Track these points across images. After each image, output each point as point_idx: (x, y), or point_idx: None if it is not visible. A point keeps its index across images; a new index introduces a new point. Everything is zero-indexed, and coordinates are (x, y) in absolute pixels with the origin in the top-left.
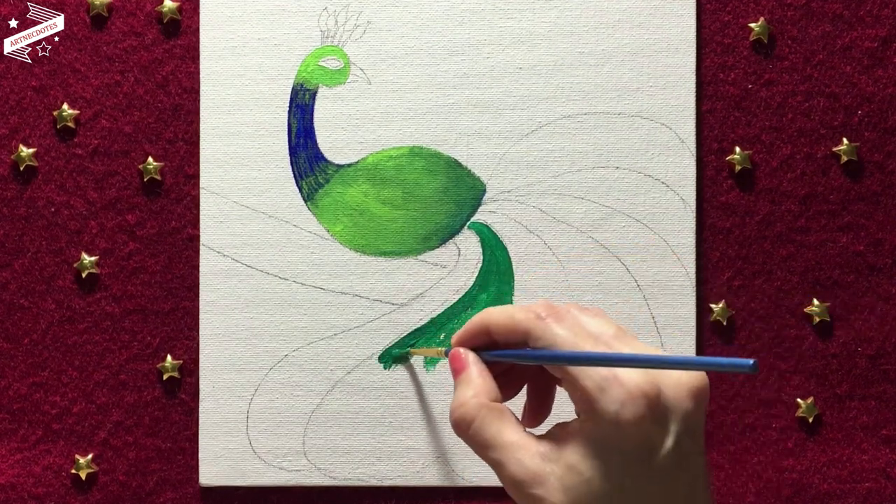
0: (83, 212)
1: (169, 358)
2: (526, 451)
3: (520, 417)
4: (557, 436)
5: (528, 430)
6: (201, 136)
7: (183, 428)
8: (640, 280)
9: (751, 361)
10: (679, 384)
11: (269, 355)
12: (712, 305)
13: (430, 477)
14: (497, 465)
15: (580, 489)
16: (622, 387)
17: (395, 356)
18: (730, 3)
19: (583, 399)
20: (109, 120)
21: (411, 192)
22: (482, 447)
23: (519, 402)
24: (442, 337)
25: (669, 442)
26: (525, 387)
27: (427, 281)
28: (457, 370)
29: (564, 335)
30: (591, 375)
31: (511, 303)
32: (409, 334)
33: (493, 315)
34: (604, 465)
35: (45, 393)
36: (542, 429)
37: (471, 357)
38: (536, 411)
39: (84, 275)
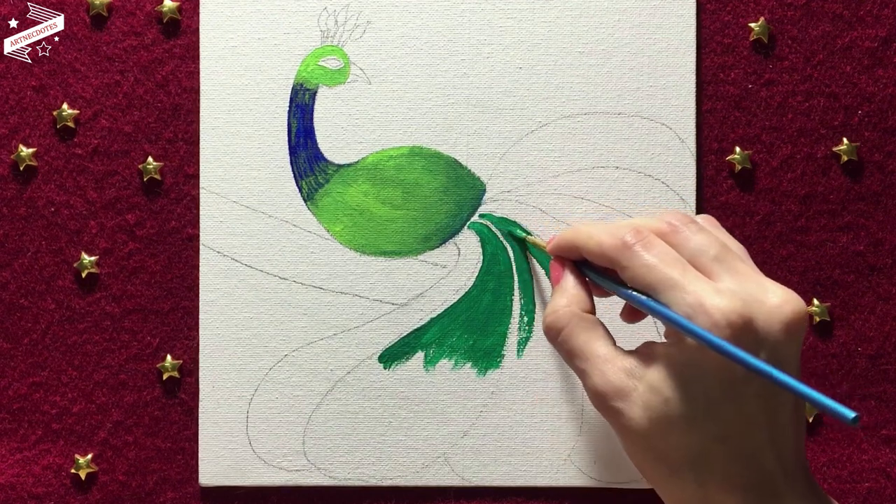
0: (83, 212)
1: (169, 358)
2: (611, 364)
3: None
4: (644, 354)
5: (616, 345)
6: (201, 136)
7: (183, 428)
8: None
9: (852, 414)
10: (771, 315)
11: (269, 355)
12: None
13: (430, 477)
14: (582, 374)
15: (659, 408)
16: (708, 316)
17: (515, 235)
18: (730, 3)
19: (669, 325)
20: (109, 120)
21: (411, 192)
22: (570, 355)
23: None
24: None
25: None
26: None
27: (427, 281)
28: (554, 279)
29: (652, 264)
30: (678, 302)
31: (511, 303)
32: (409, 334)
33: (580, 238)
34: (685, 389)
35: (45, 393)
36: (632, 342)
37: (567, 267)
38: (635, 309)
39: (84, 275)
